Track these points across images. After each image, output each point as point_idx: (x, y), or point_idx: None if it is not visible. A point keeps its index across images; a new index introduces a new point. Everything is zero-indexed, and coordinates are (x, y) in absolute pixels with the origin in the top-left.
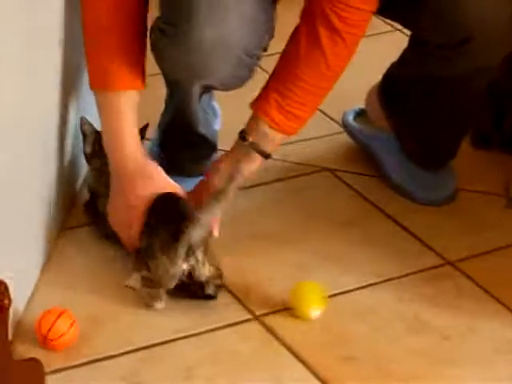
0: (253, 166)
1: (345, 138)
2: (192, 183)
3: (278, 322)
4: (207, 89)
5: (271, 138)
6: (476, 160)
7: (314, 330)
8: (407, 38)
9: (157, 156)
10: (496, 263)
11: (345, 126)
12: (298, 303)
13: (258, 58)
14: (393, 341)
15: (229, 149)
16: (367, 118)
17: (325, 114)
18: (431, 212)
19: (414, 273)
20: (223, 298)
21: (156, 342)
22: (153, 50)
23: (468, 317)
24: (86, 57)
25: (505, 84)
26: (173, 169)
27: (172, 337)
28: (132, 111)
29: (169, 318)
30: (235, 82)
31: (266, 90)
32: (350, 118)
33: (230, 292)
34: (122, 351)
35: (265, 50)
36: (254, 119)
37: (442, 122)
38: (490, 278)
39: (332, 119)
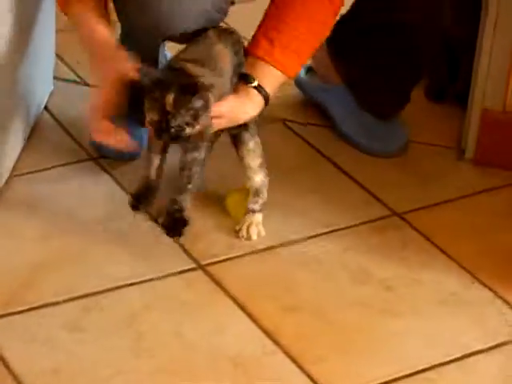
0: (256, 108)
1: (296, 90)
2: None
3: (222, 271)
4: (168, 40)
5: (275, 81)
6: (429, 112)
7: (258, 280)
8: None
9: None
10: (443, 216)
11: (295, 81)
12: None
13: (225, 13)
14: (337, 291)
15: None
16: (316, 73)
17: None
18: (381, 163)
19: (361, 223)
20: (169, 246)
21: (100, 289)
22: (115, 3)
23: (413, 268)
24: None
25: (459, 35)
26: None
27: (116, 284)
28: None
29: (113, 266)
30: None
31: (263, 32)
32: (301, 73)
33: (175, 241)
34: (64, 298)
35: (232, 3)
36: (256, 63)
37: (391, 69)
38: (437, 230)
39: None
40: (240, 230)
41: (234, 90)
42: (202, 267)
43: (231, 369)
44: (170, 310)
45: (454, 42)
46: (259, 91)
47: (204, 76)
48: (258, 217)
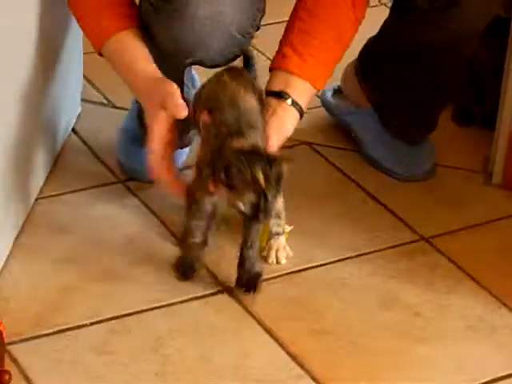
0: (294, 124)
1: (324, 112)
2: (177, 154)
3: (247, 294)
4: (194, 64)
5: (307, 94)
6: (456, 136)
7: (285, 304)
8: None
9: (135, 128)
10: (471, 240)
11: (323, 102)
12: None
13: (251, 37)
14: (364, 316)
15: None
16: (344, 95)
17: None
18: (408, 188)
19: (388, 248)
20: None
21: (126, 312)
22: (141, 23)
23: (440, 293)
24: (84, 30)
25: (485, 59)
26: None
27: (143, 307)
28: (138, 42)
29: (140, 289)
30: (224, 60)
31: (290, 45)
32: (329, 95)
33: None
34: (92, 321)
35: (257, 28)
36: (286, 77)
37: (420, 94)
38: (465, 255)
39: None
40: (268, 255)
41: (269, 109)
42: (227, 290)
43: None
44: (196, 335)
45: (480, 66)
46: (294, 106)
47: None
48: (283, 239)
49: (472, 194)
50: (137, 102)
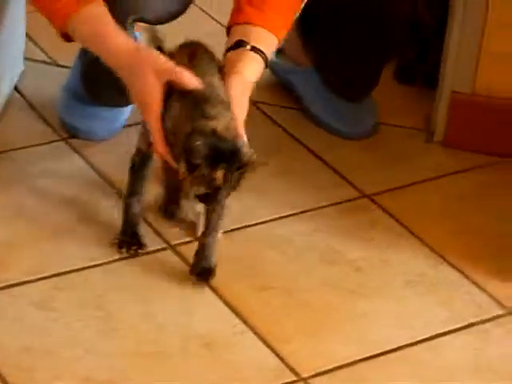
0: (258, 73)
1: (267, 71)
2: (120, 113)
3: (191, 251)
4: (137, 21)
5: (269, 43)
6: (398, 94)
7: (228, 261)
8: None
9: (77, 86)
10: (413, 197)
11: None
12: None
13: None
14: (306, 271)
15: None
16: (286, 55)
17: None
18: (351, 145)
19: (330, 205)
20: (140, 227)
21: (70, 269)
22: None
23: (381, 249)
24: (42, 10)
25: (427, 18)
26: (99, 100)
27: (87, 264)
28: (104, 16)
29: (84, 246)
30: (168, 16)
31: (246, 1)
32: (273, 55)
33: (145, 221)
34: (36, 277)
35: None
36: (245, 29)
37: (361, 50)
38: (407, 212)
39: None
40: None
41: (228, 60)
42: (172, 247)
43: (201, 348)
44: (139, 290)
45: (423, 25)
46: (256, 52)
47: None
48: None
49: (414, 151)
50: (80, 59)
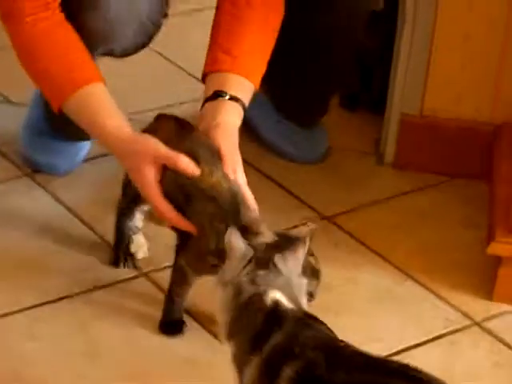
0: (239, 121)
1: None
2: (81, 147)
3: (164, 277)
4: (105, 55)
5: (246, 89)
6: (346, 120)
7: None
8: None
9: (39, 122)
10: (369, 218)
11: None
12: None
13: (159, 26)
14: None
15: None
16: None
17: (194, 76)
18: (305, 169)
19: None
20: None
21: (49, 300)
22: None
23: (347, 268)
24: (42, 90)
25: (371, 49)
26: (63, 135)
27: (65, 294)
28: (102, 101)
29: (60, 276)
30: (134, 48)
31: (220, 48)
32: None
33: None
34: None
35: (165, 15)
36: (221, 77)
37: (311, 78)
38: (366, 231)
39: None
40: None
41: (207, 111)
42: (145, 275)
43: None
44: (119, 319)
45: (366, 55)
46: (235, 101)
47: None
48: None
49: (366, 173)
50: (40, 96)
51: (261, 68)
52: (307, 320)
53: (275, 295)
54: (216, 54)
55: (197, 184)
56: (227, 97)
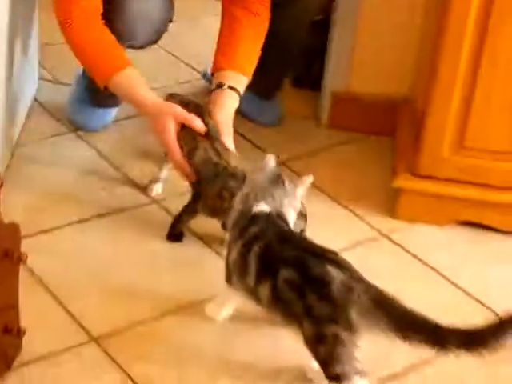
0: (235, 104)
1: (202, 83)
2: (110, 111)
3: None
4: (127, 47)
5: (240, 81)
6: (294, 94)
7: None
8: None
9: (80, 93)
10: (309, 161)
11: (203, 75)
12: None
13: (166, 28)
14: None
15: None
16: None
17: (190, 65)
18: (267, 130)
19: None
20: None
21: (90, 216)
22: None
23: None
24: (89, 68)
25: (314, 43)
26: (98, 103)
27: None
28: (136, 79)
29: (94, 204)
30: (148, 44)
31: (221, 55)
32: (209, 69)
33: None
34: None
35: (170, 20)
36: (221, 74)
37: (272, 65)
38: (306, 171)
39: (194, 69)
40: None
41: (212, 98)
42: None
43: None
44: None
45: (310, 47)
46: (232, 90)
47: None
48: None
49: (308, 132)
50: (83, 77)
51: (251, 65)
52: (276, 220)
53: (262, 207)
54: (218, 58)
55: (198, 138)
56: (226, 87)
